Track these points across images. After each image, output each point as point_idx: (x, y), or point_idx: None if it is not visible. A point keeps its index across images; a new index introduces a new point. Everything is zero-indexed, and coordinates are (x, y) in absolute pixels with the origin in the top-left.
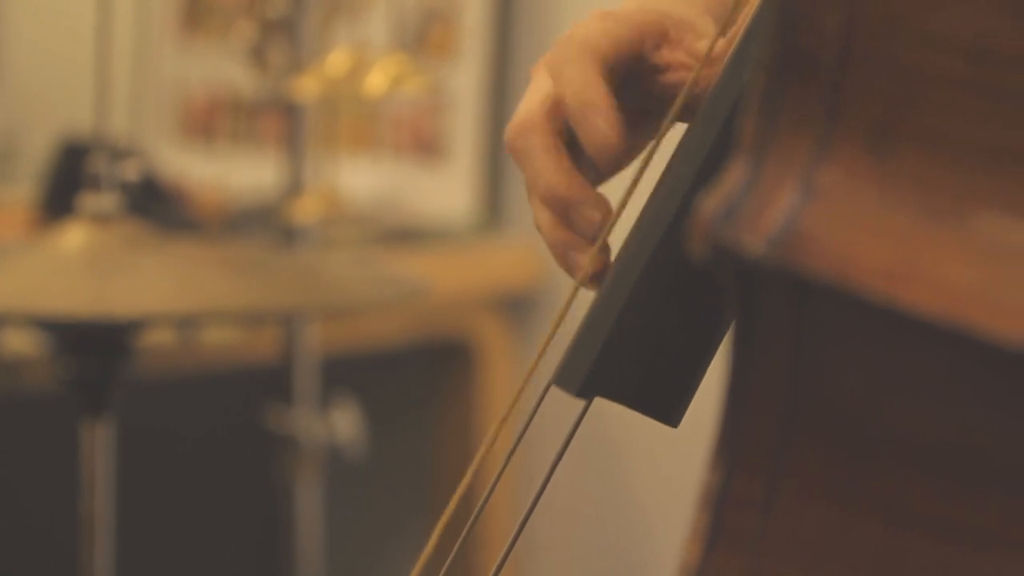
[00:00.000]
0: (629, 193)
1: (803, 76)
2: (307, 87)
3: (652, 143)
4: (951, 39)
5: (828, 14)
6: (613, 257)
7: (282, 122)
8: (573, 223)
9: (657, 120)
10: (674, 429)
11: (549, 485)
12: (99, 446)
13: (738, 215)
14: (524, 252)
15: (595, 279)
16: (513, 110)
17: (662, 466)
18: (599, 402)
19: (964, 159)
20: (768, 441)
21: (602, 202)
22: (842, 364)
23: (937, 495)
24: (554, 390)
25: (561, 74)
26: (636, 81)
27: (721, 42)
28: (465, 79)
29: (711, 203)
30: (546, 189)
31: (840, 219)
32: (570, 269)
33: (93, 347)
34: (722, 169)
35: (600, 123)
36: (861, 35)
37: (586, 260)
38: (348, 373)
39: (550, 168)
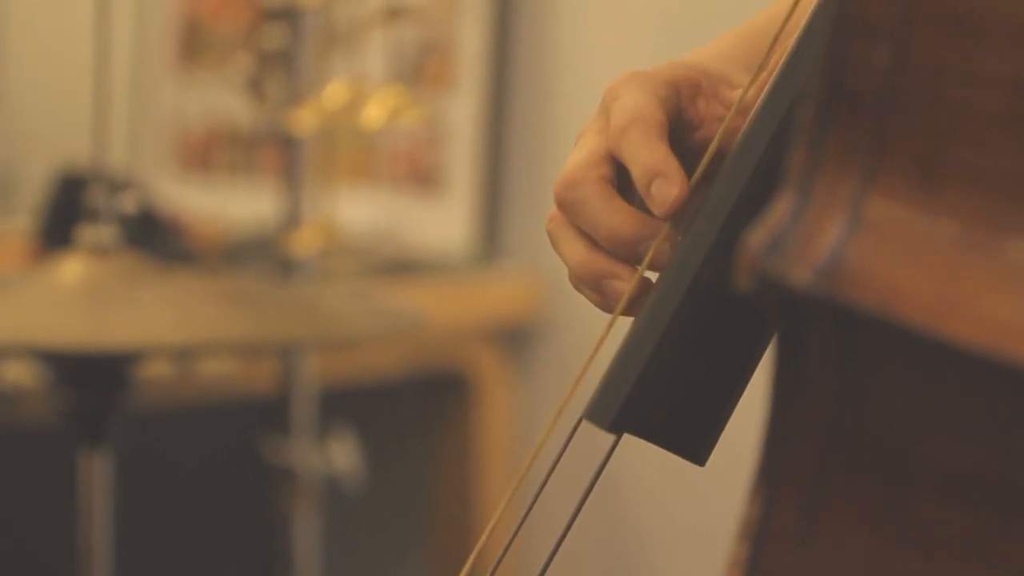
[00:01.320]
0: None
1: (849, 110)
2: (305, 119)
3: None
4: (995, 77)
5: (876, 51)
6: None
7: (280, 154)
8: (639, 259)
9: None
10: (668, 459)
11: (551, 514)
12: (97, 477)
13: (785, 246)
14: (521, 283)
15: (635, 306)
16: (511, 141)
17: (662, 498)
18: (597, 437)
19: (1008, 193)
20: (809, 472)
21: (662, 226)
22: (886, 395)
23: (978, 526)
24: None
25: (626, 147)
26: (675, 140)
27: (752, 91)
28: (462, 111)
29: (758, 235)
30: (610, 231)
31: (886, 251)
32: (609, 295)
33: (91, 379)
34: (756, 207)
35: (672, 189)
36: (907, 72)
37: (623, 285)
38: (346, 404)
39: (609, 212)
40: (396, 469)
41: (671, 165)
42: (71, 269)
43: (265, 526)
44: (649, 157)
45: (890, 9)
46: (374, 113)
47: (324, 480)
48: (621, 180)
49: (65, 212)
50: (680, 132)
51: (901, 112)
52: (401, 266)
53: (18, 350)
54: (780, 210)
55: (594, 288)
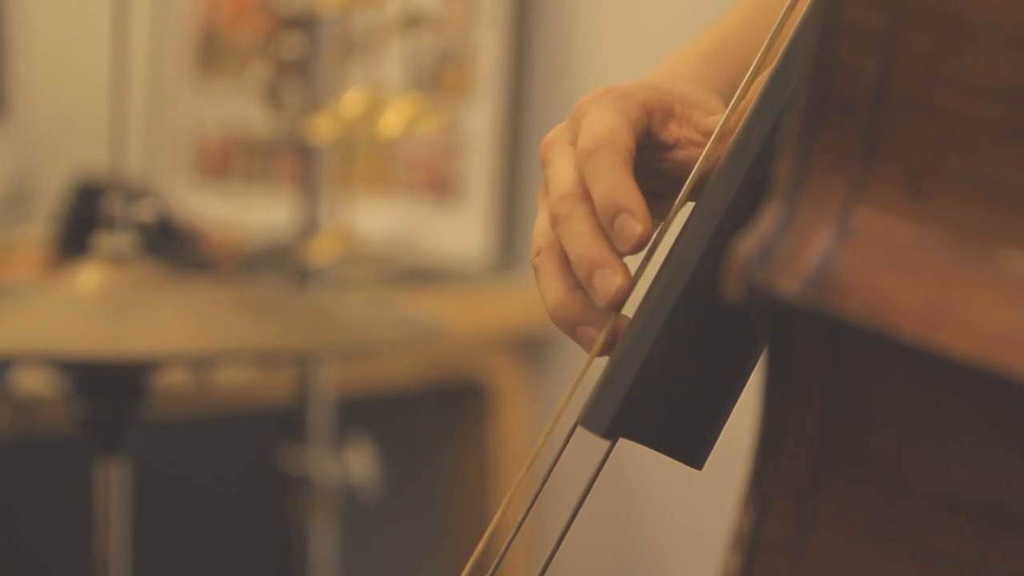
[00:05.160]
0: (641, 269)
1: (838, 119)
2: (322, 127)
3: (663, 223)
4: (986, 84)
5: (864, 58)
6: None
7: (297, 162)
8: (595, 288)
9: (668, 201)
10: (681, 470)
11: (562, 520)
12: (114, 486)
13: (774, 257)
14: (538, 293)
15: (606, 350)
16: (528, 150)
17: (677, 509)
18: (602, 441)
19: (999, 202)
20: (801, 482)
21: (626, 270)
22: (876, 406)
23: (972, 535)
24: (576, 434)
25: (591, 173)
26: (644, 159)
27: (732, 118)
28: (480, 119)
29: (747, 245)
30: (581, 251)
31: (876, 261)
32: (581, 342)
33: (108, 387)
34: (748, 214)
35: (637, 226)
36: (897, 79)
37: (597, 333)
38: (363, 413)
39: (589, 233)
40: (413, 478)
41: (635, 199)
42: (88, 278)
43: (282, 535)
44: (614, 188)
45: (878, 14)
46: (392, 121)
47: (341, 489)
48: None
49: (82, 220)
50: (649, 152)
51: (890, 120)
52: (418, 275)
53: (35, 359)
54: (768, 220)
55: (568, 332)
